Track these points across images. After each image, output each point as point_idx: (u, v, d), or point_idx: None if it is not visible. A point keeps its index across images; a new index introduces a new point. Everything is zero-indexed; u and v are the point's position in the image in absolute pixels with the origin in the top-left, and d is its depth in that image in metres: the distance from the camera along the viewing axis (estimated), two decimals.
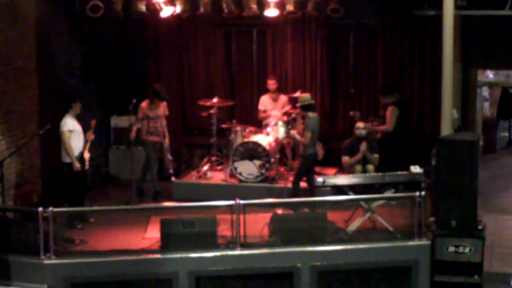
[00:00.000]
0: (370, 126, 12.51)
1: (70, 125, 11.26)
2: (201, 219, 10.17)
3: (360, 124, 12.19)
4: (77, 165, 11.18)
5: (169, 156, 12.95)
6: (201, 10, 12.98)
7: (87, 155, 11.41)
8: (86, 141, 11.45)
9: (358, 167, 12.06)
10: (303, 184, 12.06)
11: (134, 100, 12.45)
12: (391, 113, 12.68)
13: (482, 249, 10.01)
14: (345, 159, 12.25)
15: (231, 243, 10.06)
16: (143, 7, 12.94)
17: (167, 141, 12.93)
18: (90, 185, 12.49)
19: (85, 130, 11.52)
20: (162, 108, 12.92)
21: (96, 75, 14.00)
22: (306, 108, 11.90)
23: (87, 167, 11.44)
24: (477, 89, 14.15)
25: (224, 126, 13.39)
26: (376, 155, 12.20)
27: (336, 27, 13.88)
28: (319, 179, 10.95)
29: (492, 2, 12.03)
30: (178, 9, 12.88)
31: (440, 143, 10.35)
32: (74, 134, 11.25)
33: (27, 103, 12.09)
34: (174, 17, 13.14)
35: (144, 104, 12.81)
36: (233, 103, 14.20)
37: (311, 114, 11.91)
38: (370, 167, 12.05)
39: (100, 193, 13.30)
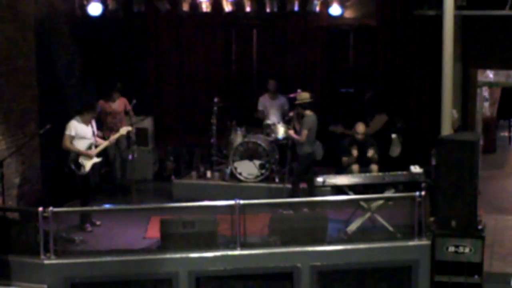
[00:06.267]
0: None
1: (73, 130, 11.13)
2: (201, 219, 10.17)
3: (360, 129, 12.11)
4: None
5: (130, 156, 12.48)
6: (201, 10, 13.00)
7: (89, 161, 11.23)
8: (90, 145, 11.29)
9: (355, 167, 12.03)
10: (303, 184, 12.06)
11: (134, 100, 12.43)
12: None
13: (482, 249, 10.01)
14: (345, 159, 12.23)
15: (231, 243, 10.04)
16: (143, 7, 12.95)
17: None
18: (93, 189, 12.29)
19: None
20: (120, 103, 12.77)
21: (96, 75, 14.00)
22: (305, 106, 11.91)
23: (84, 170, 11.19)
24: (477, 89, 14.14)
25: (224, 126, 13.38)
26: (375, 155, 12.18)
27: (336, 27, 13.89)
28: (319, 179, 10.93)
29: (492, 2, 12.02)
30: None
31: (440, 143, 10.34)
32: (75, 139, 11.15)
33: (27, 103, 12.09)
34: (174, 17, 13.14)
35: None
36: (233, 103, 14.19)
37: (308, 113, 11.92)
38: (374, 167, 12.01)
39: (100, 193, 13.28)
